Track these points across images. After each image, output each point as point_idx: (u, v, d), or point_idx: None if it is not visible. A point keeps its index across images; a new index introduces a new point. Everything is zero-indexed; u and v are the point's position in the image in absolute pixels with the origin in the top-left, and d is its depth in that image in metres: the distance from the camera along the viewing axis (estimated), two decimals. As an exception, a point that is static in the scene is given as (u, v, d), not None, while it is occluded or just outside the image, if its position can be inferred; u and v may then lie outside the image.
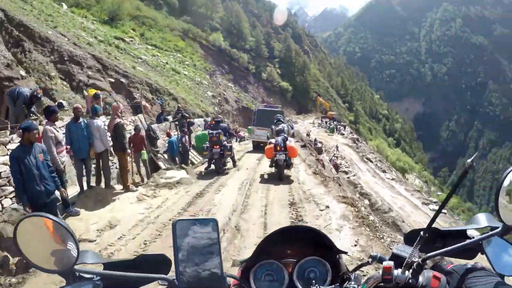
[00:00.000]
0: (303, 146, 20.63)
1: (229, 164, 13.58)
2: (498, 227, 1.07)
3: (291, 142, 12.16)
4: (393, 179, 32.56)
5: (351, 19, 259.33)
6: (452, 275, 1.10)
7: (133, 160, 11.26)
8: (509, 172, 1.03)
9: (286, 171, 11.98)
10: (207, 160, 13.41)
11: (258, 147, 19.26)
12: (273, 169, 12.04)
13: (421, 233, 1.15)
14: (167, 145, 15.16)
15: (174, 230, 1.11)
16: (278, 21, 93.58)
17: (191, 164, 15.27)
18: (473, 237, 1.17)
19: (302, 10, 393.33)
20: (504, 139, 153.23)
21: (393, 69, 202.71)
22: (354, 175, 27.06)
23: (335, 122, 55.44)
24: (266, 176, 12.12)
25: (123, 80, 17.40)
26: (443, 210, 12.29)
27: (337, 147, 34.80)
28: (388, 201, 23.65)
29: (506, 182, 1.03)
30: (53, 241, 1.03)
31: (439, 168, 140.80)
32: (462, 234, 1.29)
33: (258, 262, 1.39)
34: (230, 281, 1.35)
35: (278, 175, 11.53)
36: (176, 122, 16.49)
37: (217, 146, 12.24)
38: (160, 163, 13.82)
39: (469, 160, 1.08)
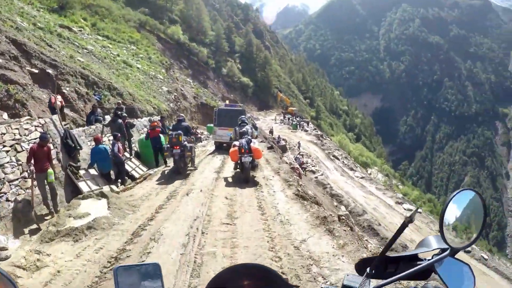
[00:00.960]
0: (270, 148, 19.11)
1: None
2: (447, 249, 1.12)
3: (255, 144, 12.14)
4: (362, 177, 31.03)
5: (312, 17, 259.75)
6: None
7: (34, 183, 8.11)
8: (452, 198, 1.09)
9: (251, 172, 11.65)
10: (149, 173, 12.75)
11: (221, 147, 18.89)
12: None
13: (357, 263, 1.22)
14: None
15: (116, 277, 1.08)
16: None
17: (131, 179, 12.47)
18: (425, 259, 1.22)
19: (264, 6, 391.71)
20: (459, 133, 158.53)
21: (352, 66, 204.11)
22: (321, 175, 25.24)
23: (297, 118, 54.24)
24: (230, 180, 11.75)
25: (50, 70, 14.27)
26: (419, 210, 13.25)
27: (299, 144, 32.83)
28: (361, 202, 22.33)
29: (449, 208, 1.09)
30: None
31: (398, 161, 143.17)
32: (413, 258, 1.28)
33: None
34: None
35: (245, 178, 11.21)
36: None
37: (177, 147, 12.08)
38: (82, 185, 10.03)
39: (408, 215, 1.11)
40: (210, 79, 61.97)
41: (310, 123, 57.36)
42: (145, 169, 13.82)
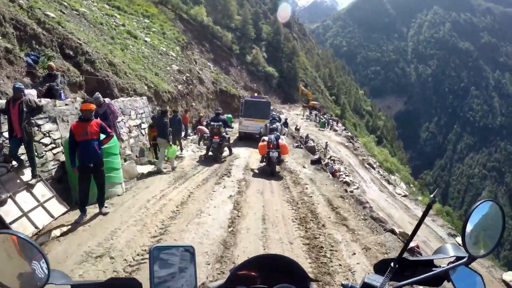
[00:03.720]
0: (299, 147, 18.75)
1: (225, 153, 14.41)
2: (463, 257, 1.16)
3: (283, 140, 12.64)
4: (405, 195, 24.91)
5: (340, 13, 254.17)
6: None
7: None
8: (475, 207, 1.12)
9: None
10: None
11: (245, 137, 19.20)
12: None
13: (392, 264, 1.21)
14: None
15: (151, 255, 1.11)
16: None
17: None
18: (440, 266, 1.24)
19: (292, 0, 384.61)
20: (481, 145, 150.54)
21: (378, 66, 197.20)
22: (357, 188, 19.25)
23: (325, 116, 48.83)
24: (256, 171, 12.28)
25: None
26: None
27: (326, 145, 26.79)
28: (409, 232, 16.46)
29: (473, 216, 1.11)
30: (22, 260, 0.98)
31: (416, 167, 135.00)
32: (429, 263, 1.31)
33: None
34: None
35: (271, 172, 11.73)
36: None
37: (217, 137, 13.10)
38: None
39: (431, 195, 1.14)
40: (233, 65, 55.92)
41: (339, 122, 51.06)
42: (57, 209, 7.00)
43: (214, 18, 58.41)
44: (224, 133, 13.45)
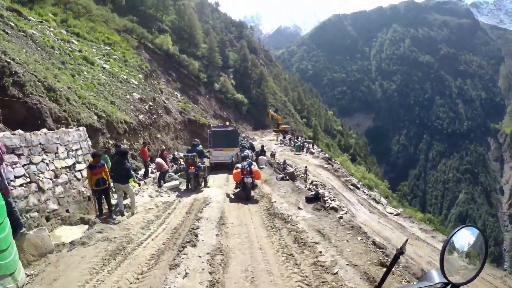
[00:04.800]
0: (284, 178, 16.83)
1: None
2: (448, 283, 1.16)
3: (255, 166, 13.35)
4: (397, 214, 23.26)
5: (304, 38, 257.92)
6: None
7: None
8: (454, 234, 1.12)
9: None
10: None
11: (216, 167, 18.78)
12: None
13: None
14: None
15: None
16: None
17: None
18: None
19: (257, 28, 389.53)
20: (452, 150, 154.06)
21: (345, 86, 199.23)
22: (346, 213, 17.47)
23: (300, 138, 47.45)
24: (232, 196, 12.88)
25: None
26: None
27: (306, 169, 24.98)
28: (411, 254, 15.02)
29: (452, 243, 1.11)
30: None
31: (391, 180, 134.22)
32: None
33: None
34: None
35: (246, 196, 12.33)
36: None
37: (192, 167, 13.59)
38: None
39: (399, 247, 1.17)
40: (201, 94, 54.10)
41: (314, 144, 49.63)
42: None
43: (180, 47, 56.99)
44: (199, 163, 13.93)
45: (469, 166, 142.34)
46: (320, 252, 6.98)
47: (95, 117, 14.10)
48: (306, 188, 17.81)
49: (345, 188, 25.71)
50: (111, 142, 14.34)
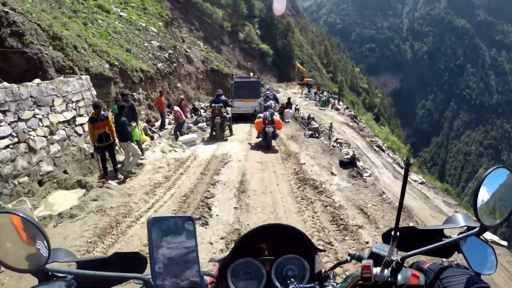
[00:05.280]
0: (312, 136, 15.67)
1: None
2: (474, 227, 1.13)
3: (277, 117, 13.41)
4: (422, 182, 21.82)
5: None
6: (429, 273, 1.12)
7: None
8: (487, 175, 1.08)
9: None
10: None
11: (239, 118, 18.65)
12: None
13: (392, 232, 1.16)
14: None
15: (149, 228, 1.05)
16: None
17: None
18: (450, 237, 1.21)
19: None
20: (478, 122, 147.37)
21: (373, 44, 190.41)
22: (369, 175, 16.05)
23: (325, 93, 45.76)
24: (254, 145, 13.20)
25: None
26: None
27: (331, 126, 23.35)
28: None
29: (485, 184, 1.08)
30: (23, 239, 0.96)
31: (413, 145, 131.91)
32: (439, 233, 1.29)
33: (236, 260, 1.37)
34: (208, 279, 1.31)
35: (267, 145, 12.77)
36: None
37: (219, 118, 13.86)
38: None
39: (405, 159, 1.15)
40: (224, 44, 51.87)
41: (340, 100, 47.60)
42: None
43: (203, -6, 53.99)
44: (225, 113, 14.21)
45: (493, 141, 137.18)
46: (367, 242, 5.65)
47: (107, 65, 12.86)
48: (334, 145, 16.77)
49: (369, 149, 24.37)
50: (125, 92, 13.04)
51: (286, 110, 20.71)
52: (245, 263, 1.36)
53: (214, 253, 4.91)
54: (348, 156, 12.02)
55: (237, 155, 11.65)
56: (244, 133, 16.22)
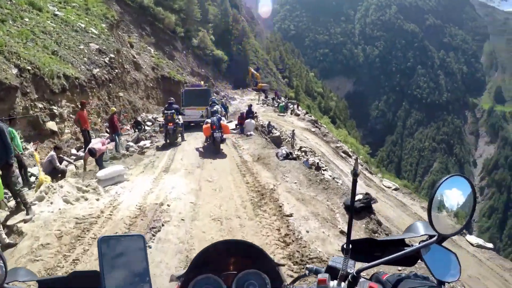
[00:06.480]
0: (288, 157, 12.32)
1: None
2: (435, 235, 1.12)
3: (224, 122, 13.71)
4: (395, 188, 20.58)
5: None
6: (387, 285, 1.13)
7: None
8: (441, 183, 1.08)
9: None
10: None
11: (189, 126, 18.63)
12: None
13: (343, 245, 1.15)
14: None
15: (100, 246, 1.04)
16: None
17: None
18: (412, 245, 1.21)
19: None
20: (429, 119, 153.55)
21: (327, 49, 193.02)
22: (340, 183, 14.36)
23: (283, 99, 44.96)
24: (201, 150, 13.54)
25: None
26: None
27: (293, 133, 21.77)
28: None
29: (438, 194, 1.07)
30: None
31: (368, 145, 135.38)
32: (400, 243, 1.27)
33: (196, 276, 1.34)
34: None
35: (215, 150, 12.93)
36: None
37: (172, 124, 14.34)
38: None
39: (353, 169, 1.13)
40: (177, 50, 49.37)
41: (299, 104, 46.62)
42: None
43: (155, -1, 51.44)
44: (177, 120, 14.71)
45: (445, 136, 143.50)
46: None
47: (14, 71, 10.22)
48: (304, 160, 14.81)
49: (336, 155, 23.03)
50: (40, 105, 10.62)
51: (247, 121, 18.53)
52: (205, 279, 1.31)
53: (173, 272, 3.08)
54: (360, 197, 7.96)
55: (180, 204, 7.83)
56: (194, 155, 13.16)
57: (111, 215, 7.06)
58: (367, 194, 8.40)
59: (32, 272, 1.15)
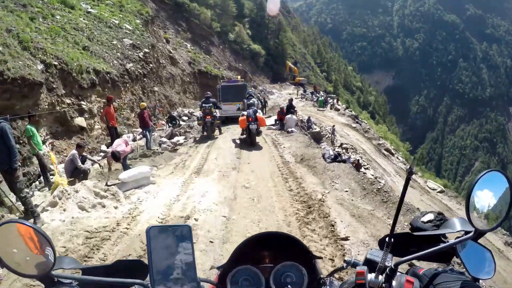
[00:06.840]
0: (336, 160, 10.95)
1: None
2: (471, 231, 1.10)
3: (260, 114, 14.45)
4: (441, 191, 18.80)
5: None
6: (424, 279, 1.12)
7: None
8: (479, 178, 1.06)
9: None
10: None
11: (226, 121, 18.39)
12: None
13: (386, 238, 1.14)
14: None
15: (148, 236, 1.07)
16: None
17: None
18: (448, 241, 1.18)
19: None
20: (472, 116, 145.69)
21: (365, 42, 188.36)
22: (383, 183, 12.81)
23: (321, 93, 43.44)
24: (238, 142, 13.64)
25: None
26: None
27: (333, 129, 20.30)
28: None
29: (477, 188, 1.06)
30: (30, 247, 1.00)
31: (408, 141, 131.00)
32: (436, 239, 1.28)
33: (235, 267, 1.37)
34: (207, 286, 1.31)
35: (251, 142, 12.89)
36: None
37: (209, 117, 14.39)
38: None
39: (408, 167, 1.12)
40: (214, 45, 48.79)
41: (339, 99, 45.01)
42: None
43: (190, -5, 50.91)
44: (215, 113, 14.78)
45: (488, 134, 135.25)
46: None
47: (40, 66, 9.43)
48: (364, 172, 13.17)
49: (378, 153, 21.47)
50: (68, 101, 9.80)
51: (288, 116, 17.09)
52: (244, 270, 1.34)
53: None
54: (431, 217, 6.57)
55: (211, 218, 6.56)
56: (230, 155, 11.93)
57: (127, 228, 6.03)
58: (440, 214, 6.85)
59: (77, 260, 1.19)
